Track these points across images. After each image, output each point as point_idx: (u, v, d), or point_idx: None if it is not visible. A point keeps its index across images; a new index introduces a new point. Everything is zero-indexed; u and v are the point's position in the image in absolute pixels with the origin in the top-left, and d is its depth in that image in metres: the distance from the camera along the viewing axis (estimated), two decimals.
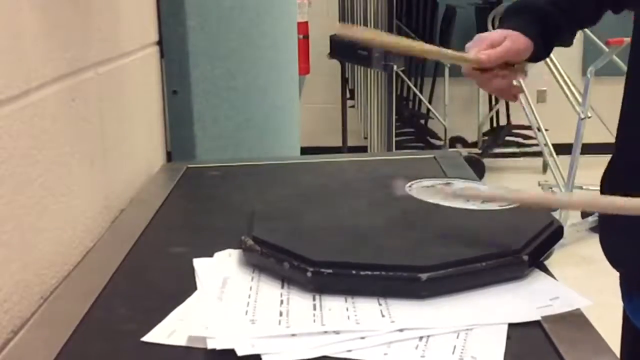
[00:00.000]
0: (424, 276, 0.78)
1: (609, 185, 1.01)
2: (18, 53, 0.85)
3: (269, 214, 0.98)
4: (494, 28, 4.09)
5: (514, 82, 1.05)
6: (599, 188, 1.03)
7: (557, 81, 3.62)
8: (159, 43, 1.52)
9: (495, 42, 1.00)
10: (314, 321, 0.74)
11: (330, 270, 0.80)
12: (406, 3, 4.58)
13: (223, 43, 1.56)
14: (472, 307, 0.76)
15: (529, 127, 3.94)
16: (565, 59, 4.00)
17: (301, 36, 2.85)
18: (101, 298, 0.84)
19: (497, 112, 4.72)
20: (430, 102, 4.73)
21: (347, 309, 0.76)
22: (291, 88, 1.84)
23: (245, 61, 1.61)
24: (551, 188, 3.78)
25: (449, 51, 1.03)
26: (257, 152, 1.65)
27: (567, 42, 1.10)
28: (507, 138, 4.63)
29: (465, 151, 4.55)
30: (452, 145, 4.72)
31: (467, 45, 1.03)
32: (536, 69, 3.73)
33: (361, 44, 0.99)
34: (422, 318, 0.74)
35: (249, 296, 0.80)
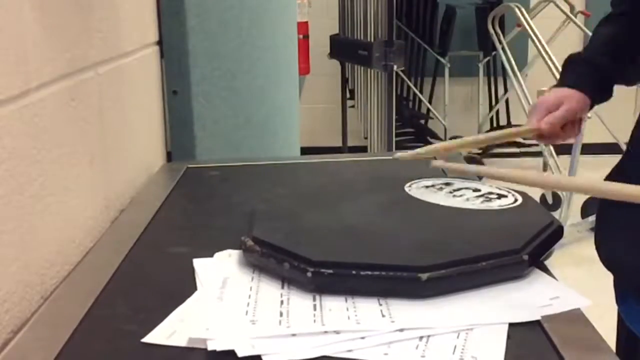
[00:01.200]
0: (424, 276, 0.78)
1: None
2: (18, 53, 0.85)
3: (269, 214, 0.98)
4: (494, 28, 4.10)
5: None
6: None
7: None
8: (159, 43, 1.52)
9: (553, 107, 1.04)
10: (314, 321, 0.74)
11: (330, 271, 0.80)
12: (406, 3, 4.59)
13: (223, 43, 1.56)
14: (473, 307, 0.76)
15: None
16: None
17: (301, 36, 2.85)
18: (101, 298, 0.84)
19: (497, 112, 4.72)
20: (430, 102, 4.74)
21: (348, 309, 0.76)
22: (291, 88, 1.84)
23: (245, 61, 1.61)
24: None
25: (514, 130, 1.09)
26: (257, 152, 1.65)
27: (631, 83, 1.11)
28: None
29: (465, 151, 4.55)
30: None
31: (529, 109, 1.07)
32: None
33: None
34: (423, 318, 0.74)
35: (249, 296, 0.80)
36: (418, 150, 1.04)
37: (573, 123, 1.06)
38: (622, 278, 1.00)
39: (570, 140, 3.48)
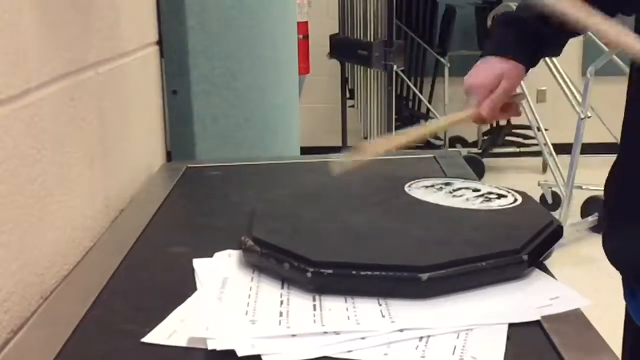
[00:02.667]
0: (424, 276, 0.78)
1: (612, 190, 1.01)
2: (18, 53, 0.84)
3: (269, 214, 0.98)
4: None
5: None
6: (598, 188, 1.03)
7: (557, 81, 3.61)
8: (159, 43, 1.52)
9: (493, 87, 1.02)
10: (315, 322, 0.74)
11: (330, 271, 0.79)
12: (406, 3, 4.58)
13: (223, 43, 1.56)
14: (473, 307, 0.76)
15: (529, 127, 3.94)
16: (565, 59, 3.99)
17: (301, 36, 2.85)
18: (101, 298, 0.84)
19: None
20: (430, 102, 4.73)
21: (348, 310, 0.76)
22: (291, 88, 1.84)
23: (245, 61, 1.61)
24: (551, 188, 3.78)
25: (454, 117, 1.07)
26: (257, 152, 1.65)
27: (557, 54, 1.10)
28: (507, 138, 4.63)
29: (465, 151, 4.55)
30: (452, 145, 4.72)
31: (465, 86, 1.05)
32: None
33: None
34: (423, 318, 0.74)
35: (249, 297, 0.80)
36: (349, 158, 0.96)
37: (510, 105, 1.05)
38: (630, 275, 1.00)
39: (570, 140, 3.48)
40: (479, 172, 4.30)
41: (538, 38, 1.03)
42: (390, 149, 1.02)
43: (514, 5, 3.61)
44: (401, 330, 0.72)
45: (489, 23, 3.95)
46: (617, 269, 0.99)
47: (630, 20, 1.02)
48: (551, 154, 3.66)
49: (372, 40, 3.26)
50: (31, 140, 0.87)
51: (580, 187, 3.48)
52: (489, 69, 1.03)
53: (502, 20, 1.06)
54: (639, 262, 0.95)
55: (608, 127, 3.91)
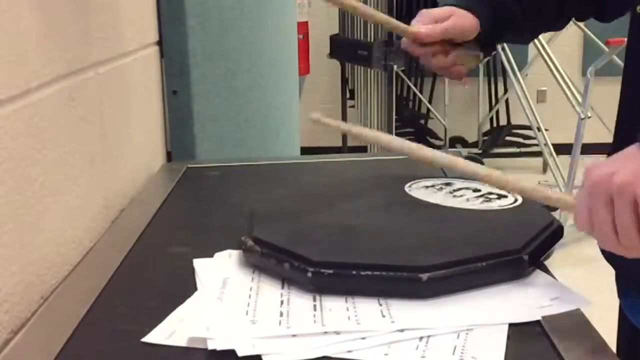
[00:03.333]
0: (424, 276, 0.78)
1: None
2: (18, 53, 0.84)
3: (269, 214, 0.98)
4: None
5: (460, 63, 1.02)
6: None
7: (557, 81, 3.62)
8: (159, 43, 1.52)
9: (440, 18, 0.97)
10: (315, 321, 0.74)
11: (330, 271, 0.79)
12: (406, 3, 4.58)
13: (223, 43, 1.56)
14: (473, 307, 0.76)
15: (529, 127, 3.94)
16: (565, 59, 4.00)
17: (301, 36, 2.85)
18: (101, 298, 0.84)
19: (497, 112, 4.73)
20: (430, 102, 4.74)
21: (348, 309, 0.76)
22: (291, 88, 1.84)
23: (245, 61, 1.61)
24: (551, 188, 3.79)
25: (394, 21, 1.02)
26: (257, 152, 1.65)
27: (524, 40, 1.07)
28: (507, 138, 4.63)
29: (465, 151, 4.55)
30: (452, 145, 4.72)
31: (413, 20, 1.02)
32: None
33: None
34: (423, 318, 0.74)
35: (249, 297, 0.80)
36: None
37: (446, 51, 1.00)
38: (623, 272, 1.00)
39: (570, 140, 3.47)
40: None
41: (504, 11, 1.00)
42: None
43: None
44: (401, 330, 0.72)
45: None
46: (611, 265, 0.99)
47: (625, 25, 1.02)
48: (551, 154, 3.67)
49: (372, 40, 3.26)
50: (31, 140, 0.87)
51: (580, 187, 3.48)
52: (441, 7, 1.00)
53: None
54: (632, 259, 0.95)
55: (608, 127, 3.91)
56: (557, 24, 1.07)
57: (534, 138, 3.90)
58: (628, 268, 0.96)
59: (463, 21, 0.98)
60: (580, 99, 3.45)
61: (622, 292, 1.02)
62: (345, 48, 3.63)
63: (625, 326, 1.03)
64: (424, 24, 0.98)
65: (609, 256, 0.99)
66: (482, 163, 4.55)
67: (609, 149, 1.02)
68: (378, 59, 3.16)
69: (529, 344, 0.70)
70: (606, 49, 3.56)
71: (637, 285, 0.97)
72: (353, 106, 3.87)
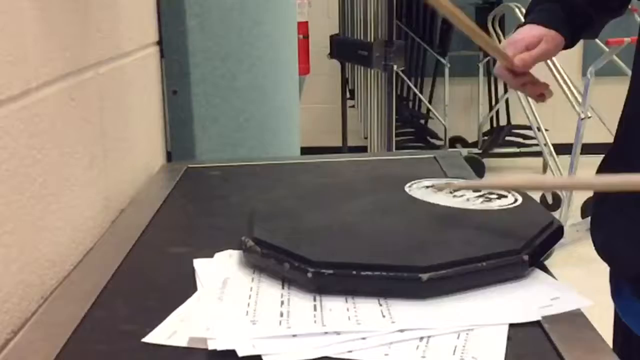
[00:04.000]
0: (424, 276, 0.78)
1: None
2: (18, 53, 0.84)
3: (269, 215, 0.98)
4: (494, 28, 4.10)
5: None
6: None
7: (557, 81, 3.62)
8: (159, 43, 1.52)
9: (531, 45, 1.00)
10: (315, 322, 0.74)
11: (330, 271, 0.79)
12: (406, 3, 4.58)
13: (223, 43, 1.56)
14: (473, 307, 0.76)
15: (529, 127, 3.94)
16: (565, 59, 3.99)
17: (301, 36, 2.85)
18: (101, 298, 0.84)
19: (497, 112, 4.73)
20: (430, 102, 4.74)
21: (348, 310, 0.76)
22: (291, 88, 1.84)
23: (245, 61, 1.61)
24: None
25: (494, 42, 1.03)
26: (257, 152, 1.65)
27: (594, 34, 1.09)
28: (507, 138, 4.63)
29: (465, 151, 4.55)
30: (452, 145, 4.72)
31: (505, 42, 1.03)
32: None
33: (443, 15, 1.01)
34: (423, 318, 0.74)
35: (250, 297, 0.80)
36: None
37: (540, 85, 1.03)
38: (617, 268, 1.00)
39: (570, 140, 3.48)
40: (479, 172, 4.30)
41: (579, 16, 1.02)
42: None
43: (514, 6, 3.62)
44: (401, 330, 0.72)
45: (489, 23, 3.95)
46: (606, 262, 0.99)
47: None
48: (551, 154, 3.67)
49: (372, 40, 3.26)
50: (31, 140, 0.87)
51: None
52: (529, 30, 1.02)
53: None
54: (624, 254, 0.95)
55: (608, 127, 3.91)
56: (620, 10, 1.08)
57: (534, 138, 3.90)
58: (624, 262, 0.96)
59: (552, 43, 1.01)
60: (580, 99, 3.45)
61: (616, 292, 1.02)
62: (345, 48, 3.63)
63: (619, 330, 1.03)
64: (516, 52, 1.00)
65: (603, 250, 0.99)
66: (483, 163, 4.56)
67: (610, 149, 1.02)
68: (378, 59, 3.16)
69: (529, 344, 0.70)
70: (606, 49, 3.56)
71: (629, 276, 0.97)
72: (353, 106, 3.87)
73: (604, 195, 1.01)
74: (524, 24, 1.05)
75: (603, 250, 0.99)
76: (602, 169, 1.03)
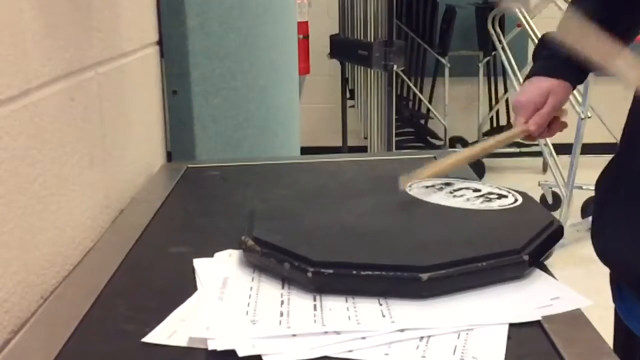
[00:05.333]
0: (424, 276, 0.78)
1: (605, 187, 1.01)
2: (18, 53, 0.84)
3: (269, 214, 0.98)
4: (494, 28, 4.10)
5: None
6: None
7: None
8: (159, 43, 1.52)
9: (539, 103, 1.02)
10: (315, 321, 0.74)
11: (330, 271, 0.79)
12: (406, 3, 4.58)
13: (223, 43, 1.56)
14: (473, 307, 0.76)
15: None
16: None
17: (301, 36, 2.85)
18: (101, 298, 0.84)
19: (497, 112, 4.72)
20: (430, 102, 4.73)
21: (348, 309, 0.76)
22: (291, 88, 1.84)
23: (245, 61, 1.61)
24: (551, 188, 3.79)
25: (502, 137, 1.07)
26: (257, 152, 1.65)
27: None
28: None
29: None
30: (452, 145, 4.72)
31: (513, 104, 1.06)
32: None
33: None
34: (423, 318, 0.74)
35: (250, 296, 0.80)
36: (417, 173, 1.03)
37: (557, 118, 1.06)
38: (619, 272, 1.00)
39: (570, 140, 3.48)
40: (479, 172, 4.30)
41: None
42: (436, 174, 1.04)
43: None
44: (401, 330, 0.72)
45: (489, 23, 3.95)
46: (607, 265, 0.99)
47: None
48: (551, 154, 3.67)
49: (372, 40, 3.26)
50: (31, 140, 0.87)
51: (580, 187, 3.49)
52: (536, 87, 1.04)
53: (547, 41, 1.07)
54: (626, 258, 0.95)
55: (608, 127, 3.91)
56: (629, 36, 1.09)
57: None
58: (625, 265, 0.96)
59: (560, 94, 1.03)
60: (580, 99, 3.45)
61: (617, 295, 1.02)
62: (345, 48, 3.63)
63: (620, 332, 1.03)
64: (527, 116, 1.03)
65: (604, 254, 0.99)
66: (482, 163, 4.55)
67: (620, 147, 1.02)
68: (378, 59, 3.16)
69: (529, 344, 0.70)
70: None
71: (631, 280, 0.97)
72: (353, 106, 3.87)
73: (605, 200, 1.01)
74: (529, 76, 1.06)
75: (604, 254, 0.99)
76: (604, 173, 1.03)
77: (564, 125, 1.09)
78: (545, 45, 1.07)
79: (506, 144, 1.08)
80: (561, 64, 1.03)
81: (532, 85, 1.05)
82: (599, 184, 1.03)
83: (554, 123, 1.07)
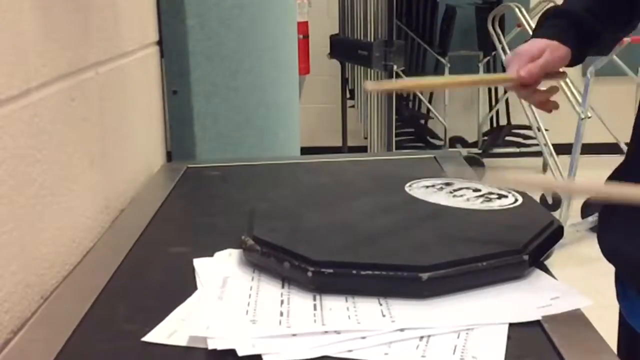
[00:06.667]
0: (424, 276, 0.78)
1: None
2: (18, 53, 0.84)
3: (269, 214, 0.98)
4: (494, 28, 4.10)
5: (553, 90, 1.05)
6: None
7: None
8: (159, 43, 1.52)
9: (535, 55, 1.00)
10: (315, 321, 0.74)
11: (330, 270, 0.80)
12: (406, 3, 4.58)
13: (223, 43, 1.56)
14: (473, 307, 0.76)
15: (529, 127, 3.94)
16: None
17: (301, 36, 2.85)
18: (101, 298, 0.84)
19: (497, 112, 4.72)
20: (430, 102, 4.74)
21: (348, 309, 0.76)
22: (291, 88, 1.84)
23: (245, 61, 1.61)
24: None
25: (490, 75, 1.04)
26: (257, 152, 1.65)
27: (605, 50, 1.09)
28: (507, 138, 4.63)
29: (465, 151, 4.55)
30: (452, 145, 4.72)
31: (506, 58, 1.04)
32: None
33: (397, 92, 1.00)
34: (423, 318, 0.74)
35: (250, 296, 0.80)
36: (387, 84, 0.98)
37: (549, 91, 1.03)
38: (623, 269, 1.00)
39: (570, 140, 3.48)
40: (479, 172, 4.29)
41: (587, 31, 1.02)
42: (404, 89, 1.00)
43: (514, 6, 3.62)
44: (401, 330, 0.72)
45: (489, 23, 3.95)
46: (612, 263, 0.99)
47: None
48: (551, 154, 3.67)
49: (372, 40, 3.26)
50: (31, 140, 0.87)
51: None
52: (533, 43, 1.02)
53: (553, 12, 1.06)
54: (635, 257, 0.95)
55: (608, 127, 3.91)
56: (630, 25, 1.08)
57: (534, 138, 3.90)
58: (630, 264, 0.96)
59: (557, 53, 1.00)
60: (580, 99, 3.45)
61: (621, 294, 1.02)
62: (345, 48, 3.63)
63: (625, 332, 1.03)
64: (521, 64, 1.00)
65: (611, 253, 0.99)
66: (482, 163, 4.56)
67: (630, 147, 1.01)
68: (378, 59, 3.16)
69: (529, 344, 0.70)
70: None
71: (638, 279, 0.97)
72: (353, 106, 3.87)
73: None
74: (532, 37, 1.05)
75: (612, 253, 0.99)
76: (615, 173, 1.02)
77: (556, 105, 1.06)
78: (549, 16, 1.06)
79: (494, 85, 1.06)
80: (562, 30, 1.02)
81: (530, 42, 1.03)
82: (610, 181, 1.02)
83: (545, 95, 1.05)
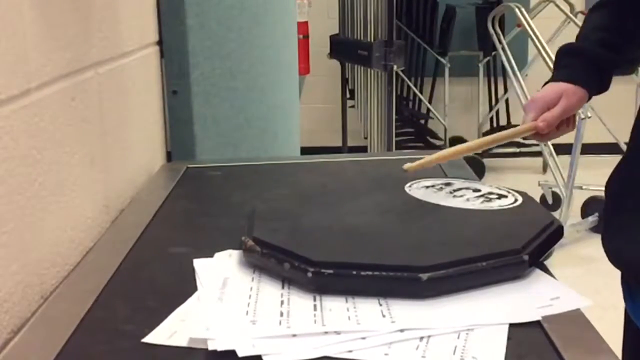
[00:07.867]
0: (424, 276, 0.78)
1: (619, 188, 1.01)
2: (18, 53, 0.84)
3: (269, 214, 0.98)
4: (494, 28, 4.10)
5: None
6: (598, 188, 1.03)
7: None
8: (159, 43, 1.52)
9: (551, 103, 1.02)
10: (315, 322, 0.74)
11: (330, 271, 0.80)
12: (406, 3, 4.58)
13: (223, 43, 1.56)
14: (473, 307, 0.76)
15: None
16: None
17: (301, 36, 2.85)
18: (101, 298, 0.84)
19: (497, 112, 4.72)
20: (430, 102, 4.73)
21: (348, 309, 0.76)
22: (291, 88, 1.84)
23: (245, 61, 1.61)
24: (551, 188, 3.79)
25: (511, 131, 1.07)
26: (257, 152, 1.65)
27: (628, 70, 1.10)
28: None
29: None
30: (452, 145, 4.71)
31: (524, 104, 1.06)
32: None
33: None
34: (423, 318, 0.74)
35: (250, 297, 0.80)
36: (423, 160, 1.01)
37: (568, 120, 1.06)
38: (629, 273, 1.00)
39: (570, 140, 3.48)
40: (479, 172, 4.30)
41: (603, 65, 1.04)
42: (440, 161, 1.04)
43: (514, 6, 3.62)
44: (401, 330, 0.72)
45: (489, 23, 3.95)
46: (618, 267, 0.99)
47: None
48: (551, 154, 3.67)
49: (372, 40, 3.26)
50: (31, 140, 0.87)
51: (580, 187, 3.48)
52: (550, 88, 1.04)
53: (566, 50, 1.07)
54: (636, 258, 0.95)
55: (608, 127, 3.91)
56: None
57: None
58: (637, 265, 0.95)
59: (573, 97, 1.02)
60: None
61: (628, 296, 1.02)
62: (345, 48, 3.62)
63: (631, 333, 1.03)
64: (537, 112, 1.03)
65: (618, 254, 0.98)
66: (482, 163, 4.55)
67: (630, 146, 1.01)
68: (378, 59, 3.15)
69: (529, 344, 0.70)
70: None
71: None
72: (353, 106, 3.87)
73: (621, 202, 1.00)
74: (547, 83, 1.07)
75: (619, 255, 0.99)
76: (615, 174, 1.02)
77: (572, 125, 1.08)
78: (564, 55, 1.07)
79: (513, 138, 1.08)
80: (578, 71, 1.03)
81: (547, 87, 1.05)
82: (611, 185, 1.02)
83: (563, 125, 1.07)
